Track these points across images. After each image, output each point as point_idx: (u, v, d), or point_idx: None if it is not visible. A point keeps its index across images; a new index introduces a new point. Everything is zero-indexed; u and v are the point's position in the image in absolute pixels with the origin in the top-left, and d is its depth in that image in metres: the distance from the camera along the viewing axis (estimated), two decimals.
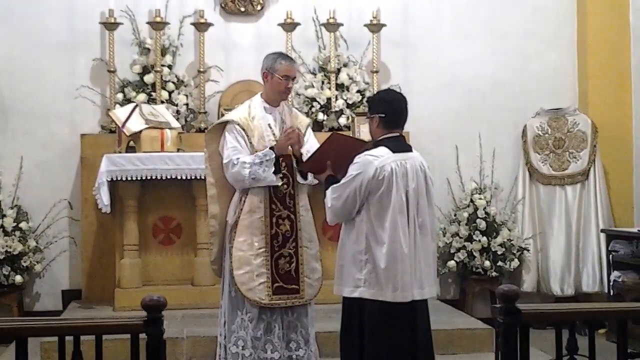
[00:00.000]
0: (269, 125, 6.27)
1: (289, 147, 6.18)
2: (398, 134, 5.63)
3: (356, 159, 5.54)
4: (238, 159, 6.11)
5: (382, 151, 5.51)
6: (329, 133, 7.30)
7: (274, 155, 6.11)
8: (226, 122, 6.32)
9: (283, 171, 6.23)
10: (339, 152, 5.77)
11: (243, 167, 6.09)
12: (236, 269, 6.18)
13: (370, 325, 5.51)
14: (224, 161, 6.19)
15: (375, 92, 6.16)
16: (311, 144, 6.40)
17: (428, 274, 5.63)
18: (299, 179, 6.25)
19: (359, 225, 5.54)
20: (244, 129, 6.21)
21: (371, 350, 5.51)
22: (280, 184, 6.21)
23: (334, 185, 5.60)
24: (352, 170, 5.51)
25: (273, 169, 6.11)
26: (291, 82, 6.29)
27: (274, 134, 6.24)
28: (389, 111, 5.59)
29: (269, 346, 6.18)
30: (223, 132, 6.29)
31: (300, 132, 6.24)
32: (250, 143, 6.19)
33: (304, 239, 6.32)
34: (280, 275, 6.22)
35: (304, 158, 6.19)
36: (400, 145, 5.59)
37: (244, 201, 6.22)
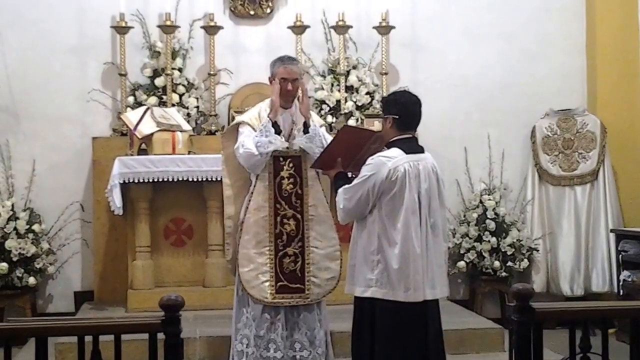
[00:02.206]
0: (278, 126, 6.36)
1: (277, 102, 6.28)
2: (411, 135, 5.67)
3: (369, 160, 5.59)
4: (245, 140, 6.26)
5: (395, 152, 5.56)
6: (336, 134, 7.35)
7: (268, 121, 6.23)
8: (238, 124, 6.46)
9: (290, 171, 6.33)
10: (351, 143, 5.83)
11: (249, 142, 6.20)
12: (241, 267, 6.30)
13: (381, 325, 5.55)
14: (234, 147, 6.33)
15: (389, 93, 6.21)
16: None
17: (440, 274, 5.67)
18: (308, 143, 6.31)
19: (370, 226, 5.58)
20: (253, 129, 6.33)
21: (382, 350, 5.54)
22: (287, 146, 6.28)
23: (347, 186, 5.65)
24: (365, 171, 5.55)
25: (273, 131, 6.21)
26: (290, 84, 6.36)
27: (284, 136, 6.33)
28: (402, 112, 5.63)
29: (271, 345, 6.26)
30: (236, 134, 6.42)
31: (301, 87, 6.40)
32: None
33: (312, 239, 6.37)
34: (285, 274, 6.30)
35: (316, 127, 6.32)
36: (413, 146, 5.64)
37: (251, 200, 6.34)
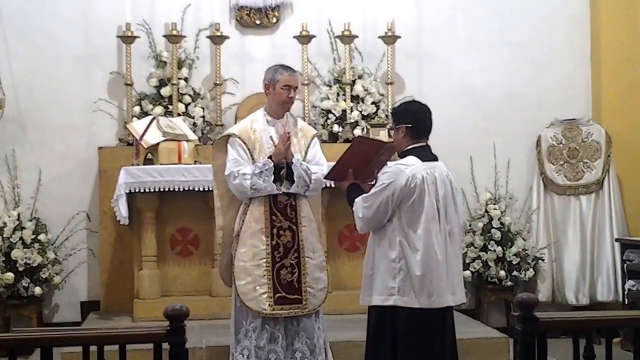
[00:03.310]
0: (270, 137, 6.39)
1: (287, 152, 6.26)
2: (424, 144, 5.71)
3: (386, 168, 5.63)
4: (239, 171, 6.26)
5: (412, 160, 5.59)
6: (345, 144, 7.36)
7: (272, 165, 6.23)
8: (228, 136, 6.46)
9: (284, 179, 6.33)
10: (363, 154, 5.85)
11: (244, 179, 6.22)
12: (238, 280, 6.32)
13: (404, 333, 5.54)
14: (226, 173, 6.34)
15: (399, 103, 6.26)
16: (313, 153, 6.52)
17: (459, 280, 5.73)
18: (294, 188, 6.33)
19: (391, 234, 5.59)
20: (244, 142, 6.34)
21: (405, 358, 5.54)
22: (282, 191, 6.30)
23: (365, 195, 5.67)
24: (384, 179, 5.58)
25: (272, 177, 6.22)
26: (293, 92, 6.39)
27: (275, 146, 6.33)
28: (415, 121, 5.68)
29: (272, 355, 6.28)
30: (226, 146, 6.42)
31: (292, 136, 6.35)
32: (252, 155, 6.30)
33: (306, 250, 6.40)
34: (282, 285, 6.32)
35: (299, 164, 6.30)
36: (427, 154, 5.69)
37: (246, 212, 6.34)
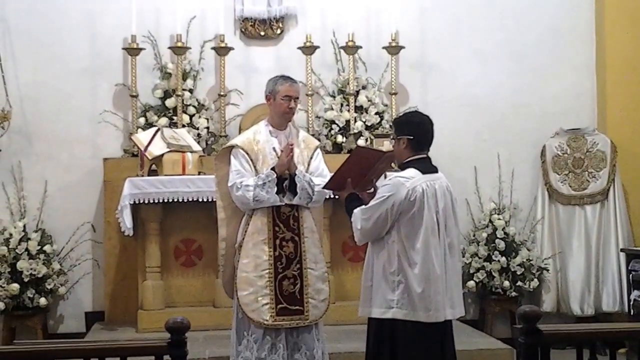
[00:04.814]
0: (273, 148, 6.38)
1: (290, 163, 6.27)
2: (425, 156, 5.70)
3: (386, 181, 5.62)
4: (242, 182, 6.26)
5: (412, 172, 5.58)
6: (348, 155, 7.37)
7: (275, 176, 6.23)
8: (231, 147, 6.46)
9: (287, 191, 6.34)
10: (361, 164, 5.85)
11: (247, 190, 6.22)
12: (240, 290, 6.31)
13: (403, 346, 5.53)
14: (229, 184, 6.34)
15: (401, 114, 6.25)
16: (316, 165, 6.52)
17: (457, 293, 5.70)
18: (297, 200, 6.33)
19: (390, 246, 5.57)
20: (247, 153, 6.35)
21: None
22: (284, 203, 6.31)
23: (364, 207, 5.65)
24: (384, 191, 5.56)
25: (275, 189, 6.23)
26: (293, 102, 6.40)
27: (278, 157, 6.33)
28: (416, 133, 5.66)
29: None
30: (229, 157, 6.43)
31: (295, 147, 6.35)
32: (255, 166, 6.31)
33: (308, 261, 6.41)
34: (284, 296, 6.32)
35: (303, 176, 6.31)
36: (428, 166, 5.67)
37: (249, 223, 6.35)
